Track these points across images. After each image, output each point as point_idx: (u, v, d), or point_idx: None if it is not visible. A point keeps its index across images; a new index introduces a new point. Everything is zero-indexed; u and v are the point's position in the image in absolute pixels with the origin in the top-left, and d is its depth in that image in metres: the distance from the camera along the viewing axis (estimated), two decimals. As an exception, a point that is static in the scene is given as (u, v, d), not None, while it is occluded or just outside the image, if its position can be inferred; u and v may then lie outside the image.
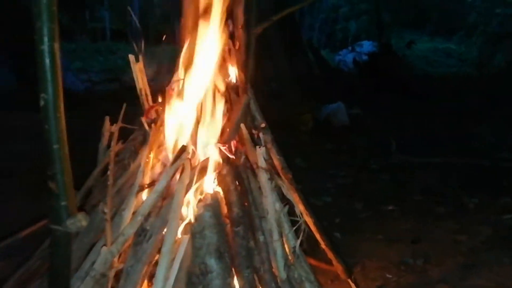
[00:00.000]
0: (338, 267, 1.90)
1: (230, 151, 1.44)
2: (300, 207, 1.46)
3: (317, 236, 1.80)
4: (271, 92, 5.07)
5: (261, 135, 1.65)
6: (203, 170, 1.42)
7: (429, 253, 2.40)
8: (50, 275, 1.18)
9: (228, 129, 1.48)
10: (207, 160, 1.43)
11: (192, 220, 1.32)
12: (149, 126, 1.62)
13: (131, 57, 1.66)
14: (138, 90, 1.71)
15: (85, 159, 1.54)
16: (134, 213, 1.43)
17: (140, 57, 1.66)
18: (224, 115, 1.52)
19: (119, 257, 1.37)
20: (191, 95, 1.50)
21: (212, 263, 1.22)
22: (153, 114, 1.66)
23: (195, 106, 1.50)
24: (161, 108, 1.62)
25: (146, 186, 1.47)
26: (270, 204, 1.43)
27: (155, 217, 1.40)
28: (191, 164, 1.42)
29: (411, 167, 4.05)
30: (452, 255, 2.36)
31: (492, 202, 3.03)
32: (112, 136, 1.62)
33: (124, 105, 1.68)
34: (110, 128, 1.66)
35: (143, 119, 1.63)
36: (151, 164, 1.51)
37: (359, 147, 4.60)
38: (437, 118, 5.42)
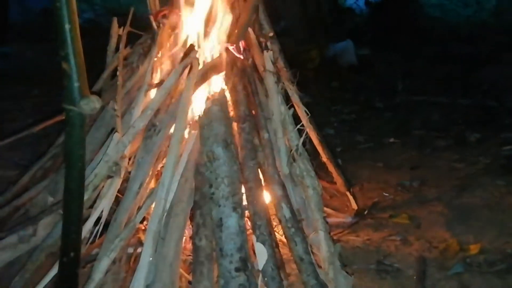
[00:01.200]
0: (338, 180, 1.99)
1: (239, 51, 1.46)
2: (302, 111, 1.50)
3: (319, 148, 1.86)
4: (280, 30, 4.98)
5: (268, 43, 1.67)
6: (211, 69, 1.46)
7: (427, 177, 2.48)
8: (65, 156, 1.25)
9: (236, 30, 1.50)
10: (215, 59, 1.46)
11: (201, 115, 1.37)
12: (158, 27, 1.64)
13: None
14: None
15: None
16: (143, 110, 1.49)
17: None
18: (233, 17, 1.53)
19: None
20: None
21: (219, 151, 1.28)
22: (161, 18, 1.67)
23: (205, 8, 1.51)
24: (169, 11, 1.63)
25: (155, 84, 1.51)
26: (276, 105, 1.47)
27: (164, 113, 1.46)
28: (199, 62, 1.45)
29: (415, 106, 4.06)
30: (448, 179, 2.44)
31: (493, 136, 3.07)
32: (121, 40, 1.64)
33: (132, 9, 1.69)
34: (118, 31, 1.68)
35: (152, 20, 1.65)
36: (160, 64, 1.54)
37: (365, 87, 4.59)
38: (447, 61, 5.34)
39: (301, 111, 1.52)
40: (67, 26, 1.10)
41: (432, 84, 4.65)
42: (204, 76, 1.45)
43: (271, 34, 1.69)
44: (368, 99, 4.26)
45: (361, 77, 4.86)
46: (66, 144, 1.24)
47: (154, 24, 1.54)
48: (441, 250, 1.72)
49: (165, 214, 1.24)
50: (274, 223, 1.41)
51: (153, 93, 1.53)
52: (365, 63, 5.20)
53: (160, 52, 1.54)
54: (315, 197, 1.41)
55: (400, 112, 3.90)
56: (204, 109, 1.34)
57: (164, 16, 1.69)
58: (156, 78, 1.55)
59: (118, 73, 1.52)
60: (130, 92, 1.61)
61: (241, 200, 1.24)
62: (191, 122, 1.42)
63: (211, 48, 1.51)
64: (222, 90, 1.41)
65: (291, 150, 1.45)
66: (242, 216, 1.22)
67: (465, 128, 3.30)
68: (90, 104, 1.16)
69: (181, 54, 1.50)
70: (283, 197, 1.30)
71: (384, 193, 2.30)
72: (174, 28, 1.57)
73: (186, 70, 1.43)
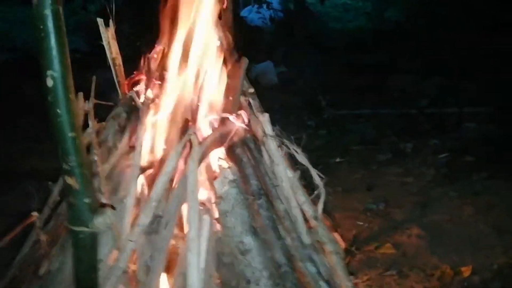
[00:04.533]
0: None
1: (240, 119, 1.35)
2: (313, 172, 1.44)
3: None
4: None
5: (250, 100, 1.58)
6: (213, 144, 1.32)
7: (386, 197, 2.60)
8: (76, 282, 1.02)
9: (231, 97, 1.39)
10: (215, 132, 1.33)
11: (215, 199, 1.23)
12: (133, 100, 1.45)
13: (100, 21, 1.44)
14: (109, 60, 1.50)
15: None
16: (139, 199, 1.31)
17: (111, 22, 1.45)
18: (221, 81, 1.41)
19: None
20: (187, 62, 1.36)
21: (249, 240, 1.16)
22: (132, 87, 1.48)
23: (193, 74, 1.37)
24: (145, 78, 1.45)
25: (147, 167, 1.33)
26: (283, 171, 1.40)
27: (165, 201, 1.28)
28: (198, 139, 1.31)
29: (342, 120, 4.28)
30: (405, 196, 2.59)
31: (424, 145, 3.36)
32: (89, 115, 1.42)
33: (94, 78, 1.48)
34: (84, 106, 1.44)
35: (124, 92, 1.45)
36: (147, 143, 1.36)
37: (291, 105, 4.71)
38: (356, 72, 5.73)
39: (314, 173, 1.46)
40: (70, 135, 0.90)
41: (350, 96, 4.95)
42: (204, 153, 1.31)
43: (251, 90, 1.61)
44: (299, 118, 4.37)
45: (285, 95, 4.97)
46: (76, 270, 1.02)
47: (135, 98, 1.34)
48: (438, 277, 1.80)
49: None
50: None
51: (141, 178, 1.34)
52: (285, 80, 5.35)
53: (145, 129, 1.36)
54: (340, 263, 1.37)
55: (332, 128, 4.07)
56: (221, 193, 1.21)
57: (136, 83, 1.50)
58: (143, 159, 1.36)
59: (95, 156, 1.30)
60: (111, 176, 1.39)
61: (287, 291, 1.14)
62: (202, 208, 1.27)
63: (204, 118, 1.37)
64: (232, 167, 1.28)
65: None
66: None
67: (397, 139, 3.56)
68: (106, 220, 0.97)
69: (172, 129, 1.34)
70: (318, 274, 1.23)
71: (358, 222, 2.35)
72: (154, 98, 1.40)
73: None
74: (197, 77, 1.37)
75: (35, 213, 1.39)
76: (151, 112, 1.35)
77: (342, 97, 4.91)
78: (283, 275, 1.17)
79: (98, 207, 0.97)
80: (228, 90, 1.40)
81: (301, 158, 1.42)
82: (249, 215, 1.20)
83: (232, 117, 1.34)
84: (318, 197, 1.46)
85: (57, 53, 0.84)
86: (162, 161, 1.33)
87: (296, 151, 1.42)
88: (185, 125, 1.32)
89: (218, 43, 1.41)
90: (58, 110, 0.88)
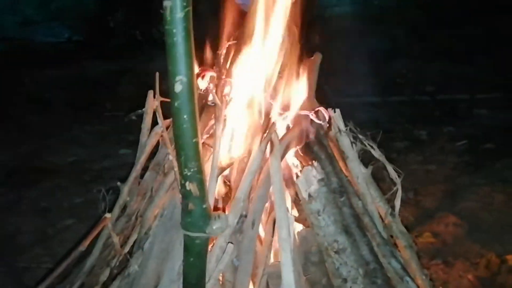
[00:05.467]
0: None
1: (320, 117, 1.34)
2: (390, 167, 1.45)
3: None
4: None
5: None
6: (292, 141, 1.31)
7: (414, 185, 2.65)
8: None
9: (307, 93, 1.37)
10: (296, 129, 1.32)
11: (304, 197, 1.22)
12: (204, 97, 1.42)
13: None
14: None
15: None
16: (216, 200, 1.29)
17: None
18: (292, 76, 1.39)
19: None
20: (260, 57, 1.33)
21: (343, 239, 1.17)
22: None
23: (267, 69, 1.34)
24: (214, 75, 1.41)
25: (225, 167, 1.30)
26: (357, 167, 1.40)
27: (247, 201, 1.27)
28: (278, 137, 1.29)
29: (350, 107, 4.29)
30: (432, 184, 2.64)
31: (439, 132, 3.42)
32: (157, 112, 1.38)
33: (157, 74, 1.43)
34: (153, 105, 1.40)
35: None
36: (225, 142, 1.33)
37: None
38: (354, 57, 5.73)
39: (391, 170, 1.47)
40: (194, 140, 0.87)
41: (354, 83, 4.96)
42: (284, 152, 1.29)
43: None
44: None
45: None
46: (188, 275, 1.00)
47: (215, 98, 1.30)
48: (484, 266, 1.85)
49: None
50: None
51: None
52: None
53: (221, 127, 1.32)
54: (414, 256, 1.39)
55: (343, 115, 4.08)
56: (311, 192, 1.20)
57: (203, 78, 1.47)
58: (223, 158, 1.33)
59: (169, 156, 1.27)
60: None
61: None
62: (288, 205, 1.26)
63: (281, 115, 1.35)
64: (318, 166, 1.26)
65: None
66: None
67: (411, 127, 3.60)
68: (222, 225, 0.96)
69: (250, 127, 1.32)
70: (402, 269, 1.25)
71: (392, 211, 2.39)
72: (228, 95, 1.37)
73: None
74: (271, 73, 1.34)
75: (108, 215, 1.35)
76: (228, 109, 1.32)
77: (345, 84, 4.91)
78: (373, 272, 1.18)
79: (214, 213, 0.95)
80: (303, 85, 1.38)
81: (377, 154, 1.42)
82: (340, 213, 1.20)
83: (311, 114, 1.32)
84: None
85: (187, 57, 0.81)
86: (242, 160, 1.31)
87: (372, 147, 1.42)
88: (266, 123, 1.29)
89: (290, 38, 1.38)
90: (185, 116, 0.84)
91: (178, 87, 0.82)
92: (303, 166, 1.29)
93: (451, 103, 3.99)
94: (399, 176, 1.42)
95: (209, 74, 1.47)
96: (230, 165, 1.31)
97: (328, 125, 1.38)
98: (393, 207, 1.42)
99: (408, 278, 1.23)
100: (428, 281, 1.37)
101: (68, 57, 5.81)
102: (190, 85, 0.83)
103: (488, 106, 3.74)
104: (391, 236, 1.41)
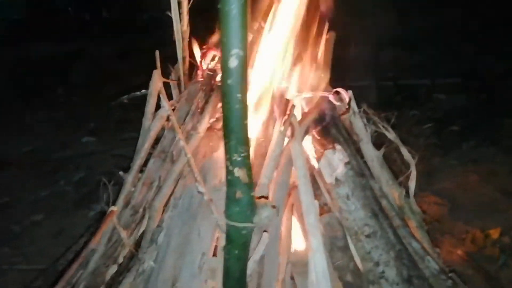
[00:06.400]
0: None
1: (339, 98, 1.30)
2: (404, 150, 1.44)
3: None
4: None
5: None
6: (312, 124, 1.26)
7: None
8: (227, 283, 0.92)
9: (322, 73, 1.31)
10: (315, 111, 1.26)
11: (330, 181, 1.18)
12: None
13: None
14: (176, 34, 1.33)
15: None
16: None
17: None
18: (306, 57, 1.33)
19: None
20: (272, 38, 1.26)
21: (373, 223, 1.14)
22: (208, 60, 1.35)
23: (280, 50, 1.27)
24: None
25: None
26: (371, 150, 1.38)
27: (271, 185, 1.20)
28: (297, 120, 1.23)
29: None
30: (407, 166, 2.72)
31: (405, 116, 3.53)
32: (161, 94, 1.27)
33: (157, 53, 1.32)
34: (158, 87, 1.27)
35: (201, 69, 1.31)
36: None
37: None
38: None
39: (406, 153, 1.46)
40: (245, 122, 0.79)
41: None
42: (303, 135, 1.24)
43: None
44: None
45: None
46: (230, 268, 0.92)
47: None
48: (471, 241, 1.94)
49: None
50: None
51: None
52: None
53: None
54: (425, 235, 1.41)
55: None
56: (338, 175, 1.16)
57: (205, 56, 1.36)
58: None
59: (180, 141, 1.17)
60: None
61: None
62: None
63: (297, 96, 1.29)
64: (341, 149, 1.22)
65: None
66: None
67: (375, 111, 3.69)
68: (270, 214, 0.89)
69: (267, 109, 1.25)
70: (423, 249, 1.26)
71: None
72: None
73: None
74: (284, 53, 1.27)
75: (114, 207, 1.22)
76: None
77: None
78: (400, 254, 1.17)
79: (260, 200, 0.87)
80: (319, 66, 1.33)
81: (391, 136, 1.41)
82: (369, 195, 1.17)
83: (331, 96, 1.28)
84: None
85: (243, 29, 0.72)
86: (260, 145, 1.24)
87: (386, 129, 1.40)
88: (283, 105, 1.23)
89: (305, 18, 1.31)
90: (238, 95, 0.76)
91: (233, 62, 0.74)
92: (322, 150, 1.25)
93: (411, 88, 4.15)
94: (413, 158, 1.41)
95: (214, 53, 1.37)
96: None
97: (347, 106, 1.34)
98: (406, 189, 1.42)
99: (429, 258, 1.24)
100: (440, 259, 1.40)
101: (8, 37, 5.29)
102: (245, 61, 0.75)
103: (446, 91, 3.93)
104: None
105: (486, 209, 2.18)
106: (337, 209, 1.17)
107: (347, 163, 1.16)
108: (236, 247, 0.89)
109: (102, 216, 2.24)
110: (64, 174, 2.68)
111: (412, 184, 1.41)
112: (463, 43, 4.64)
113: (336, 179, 1.16)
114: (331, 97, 1.29)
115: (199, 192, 1.13)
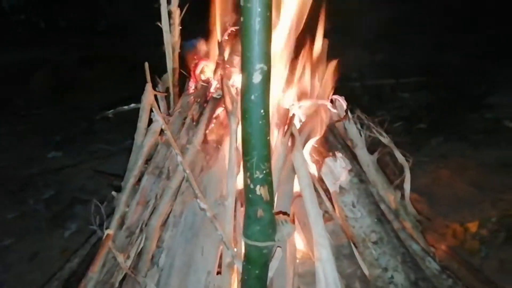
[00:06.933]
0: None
1: (337, 106, 1.29)
2: (398, 153, 1.46)
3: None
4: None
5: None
6: (311, 133, 1.25)
7: (366, 167, 2.77)
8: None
9: (319, 82, 1.31)
10: (314, 120, 1.25)
11: (335, 190, 1.17)
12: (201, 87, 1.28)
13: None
14: (166, 44, 1.28)
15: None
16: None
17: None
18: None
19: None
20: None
21: (380, 229, 1.15)
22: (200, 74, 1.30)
23: (277, 57, 1.25)
24: (215, 64, 1.28)
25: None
26: (366, 155, 1.39)
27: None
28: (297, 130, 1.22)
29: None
30: (385, 165, 2.79)
31: (373, 115, 3.62)
32: (154, 108, 1.22)
33: (147, 65, 1.27)
34: (151, 100, 1.21)
35: (195, 80, 1.27)
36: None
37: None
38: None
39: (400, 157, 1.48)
40: (268, 138, 0.77)
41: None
42: (303, 144, 1.23)
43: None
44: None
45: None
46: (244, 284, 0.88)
47: (228, 88, 1.16)
48: (452, 235, 2.01)
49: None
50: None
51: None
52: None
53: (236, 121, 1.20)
54: (420, 236, 1.44)
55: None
56: (342, 184, 1.15)
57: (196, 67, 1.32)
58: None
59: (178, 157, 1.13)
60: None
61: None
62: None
63: (295, 105, 1.27)
64: (344, 156, 1.21)
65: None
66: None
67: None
68: (290, 230, 0.87)
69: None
70: (423, 251, 1.28)
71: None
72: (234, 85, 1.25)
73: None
74: (281, 61, 1.26)
75: (109, 231, 1.15)
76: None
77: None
78: (404, 258, 1.19)
79: (279, 217, 0.85)
80: (315, 74, 1.32)
81: (386, 140, 1.43)
82: (370, 202, 1.18)
83: (328, 104, 1.27)
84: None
85: (267, 44, 0.70)
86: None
87: (380, 133, 1.42)
88: (281, 113, 1.21)
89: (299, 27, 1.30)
90: (262, 111, 0.74)
91: (257, 77, 0.71)
92: (321, 158, 1.24)
93: (377, 88, 4.26)
94: (407, 161, 1.43)
95: (205, 63, 1.33)
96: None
97: (345, 114, 1.34)
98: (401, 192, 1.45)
99: (429, 258, 1.27)
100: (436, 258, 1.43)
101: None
102: (269, 76, 0.73)
103: (410, 89, 4.08)
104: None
105: (462, 203, 2.27)
106: (342, 217, 1.17)
107: (350, 171, 1.16)
108: (257, 268, 0.86)
109: (79, 236, 2.16)
110: (33, 192, 2.52)
111: (407, 187, 1.44)
112: (420, 38, 4.82)
113: (341, 187, 1.16)
114: (329, 105, 1.29)
115: (201, 209, 1.09)
